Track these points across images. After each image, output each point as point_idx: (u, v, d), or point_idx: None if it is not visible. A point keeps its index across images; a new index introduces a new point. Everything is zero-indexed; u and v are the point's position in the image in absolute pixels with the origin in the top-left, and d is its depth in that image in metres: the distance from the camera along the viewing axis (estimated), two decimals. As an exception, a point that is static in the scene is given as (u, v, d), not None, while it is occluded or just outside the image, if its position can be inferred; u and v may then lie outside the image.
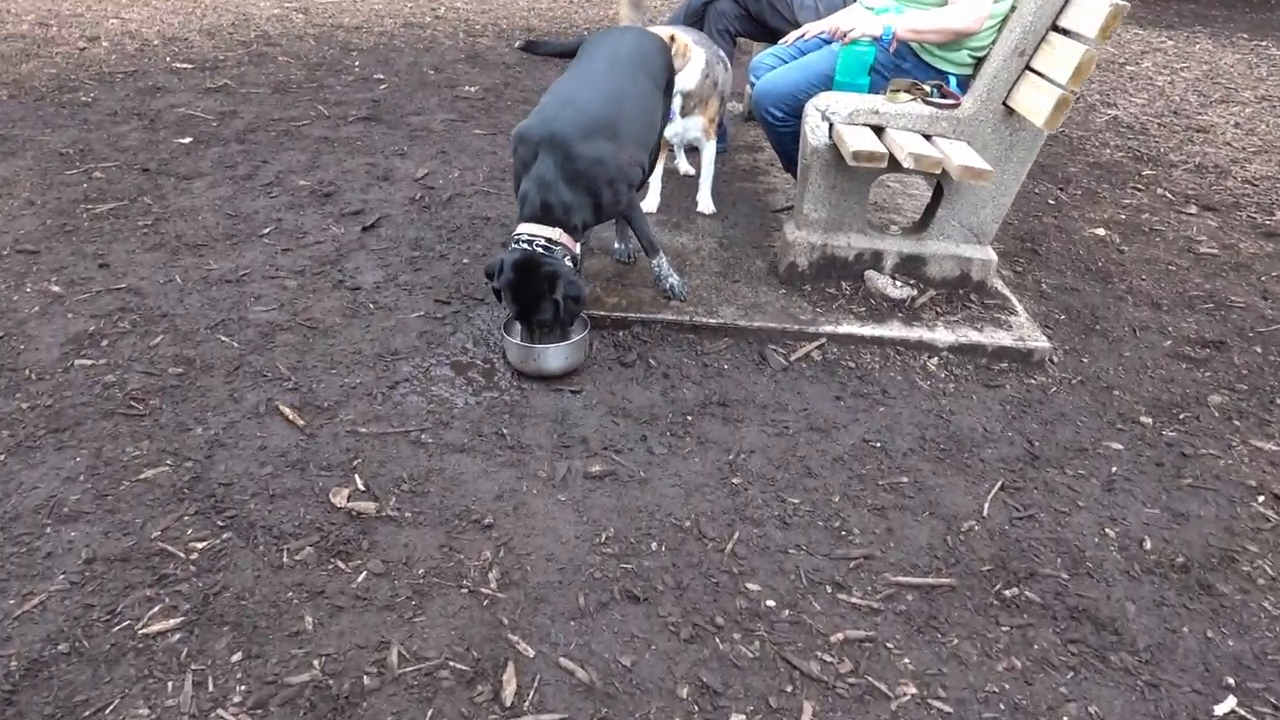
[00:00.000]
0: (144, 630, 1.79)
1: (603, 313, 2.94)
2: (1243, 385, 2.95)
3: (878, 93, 3.09)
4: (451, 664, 1.77)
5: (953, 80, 3.11)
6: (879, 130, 2.96)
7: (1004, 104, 2.93)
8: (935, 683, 1.81)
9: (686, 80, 3.41)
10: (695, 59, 3.40)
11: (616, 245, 3.29)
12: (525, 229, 2.64)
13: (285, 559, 1.99)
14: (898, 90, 3.01)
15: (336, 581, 1.94)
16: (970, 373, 2.88)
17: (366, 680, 1.73)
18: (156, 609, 1.84)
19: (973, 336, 2.94)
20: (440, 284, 3.24)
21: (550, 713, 1.69)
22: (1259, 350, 3.16)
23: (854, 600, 1.98)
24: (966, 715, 1.74)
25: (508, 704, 1.70)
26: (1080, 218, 4.25)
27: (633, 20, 5.22)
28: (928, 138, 2.94)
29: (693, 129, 3.58)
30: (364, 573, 1.97)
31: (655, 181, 3.69)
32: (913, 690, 1.78)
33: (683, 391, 2.69)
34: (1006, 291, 3.24)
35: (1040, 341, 2.94)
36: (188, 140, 4.49)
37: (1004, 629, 1.94)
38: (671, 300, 3.02)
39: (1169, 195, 4.62)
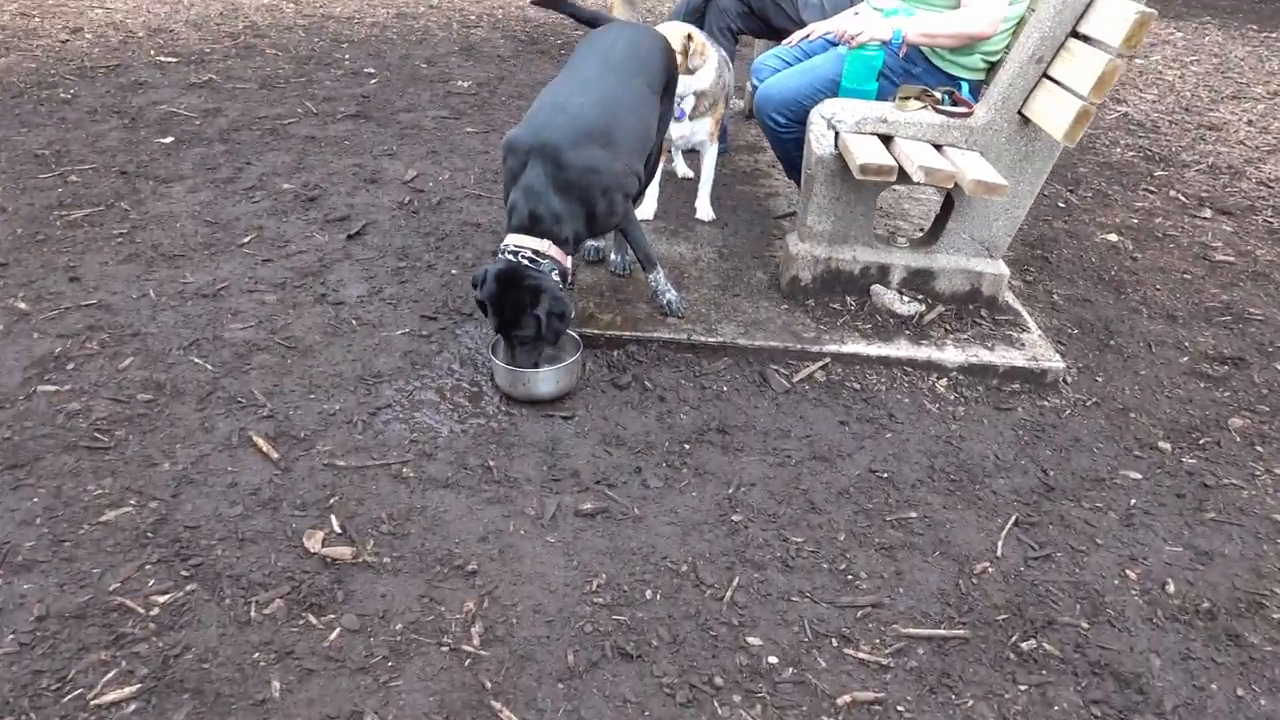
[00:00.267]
0: (96, 700, 1.66)
1: (596, 331, 2.81)
2: (1264, 406, 2.82)
3: (886, 99, 2.94)
4: (430, 733, 1.65)
5: (965, 86, 2.96)
6: (887, 139, 2.82)
7: (1020, 113, 2.79)
8: (949, 751, 1.69)
9: (701, 80, 3.26)
10: (710, 57, 3.25)
11: (613, 257, 3.15)
12: (512, 240, 2.50)
13: (253, 613, 1.86)
14: (907, 97, 2.86)
15: (307, 639, 1.81)
16: (981, 395, 2.75)
17: (337, 752, 1.60)
18: (111, 674, 1.71)
19: (983, 356, 2.80)
20: (427, 297, 3.10)
21: (535, 789, 1.57)
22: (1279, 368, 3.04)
23: (862, 655, 1.86)
24: (983, 789, 1.63)
25: (489, 779, 1.58)
26: (1091, 222, 4.11)
27: (627, 17, 5.06)
28: (938, 147, 2.80)
29: (700, 132, 3.43)
30: (337, 629, 1.84)
31: (653, 186, 3.55)
32: (925, 760, 1.67)
33: (680, 417, 2.56)
34: (1018, 306, 3.10)
35: (1054, 361, 2.80)
36: (169, 140, 4.33)
37: (1021, 688, 1.81)
38: (669, 317, 2.89)
39: (1182, 198, 4.48)
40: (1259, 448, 2.63)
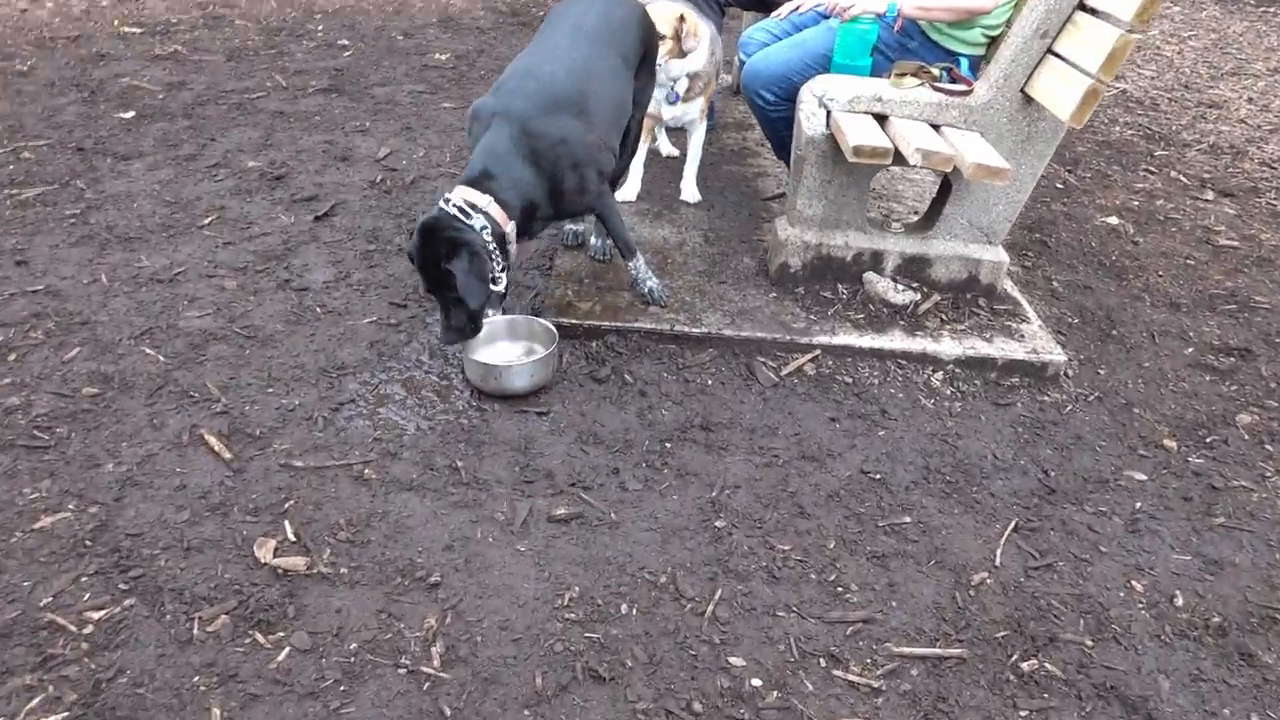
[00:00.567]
0: (18, 732, 1.52)
1: (574, 320, 2.66)
2: (1272, 402, 2.70)
3: (881, 76, 2.78)
4: (384, 766, 1.52)
5: (964, 62, 2.80)
6: (882, 119, 2.66)
7: (1022, 91, 2.64)
8: (945, 783, 1.57)
9: (695, 62, 3.11)
10: (703, 37, 3.08)
11: (593, 241, 2.99)
12: (454, 191, 2.32)
13: (195, 631, 1.72)
14: (903, 74, 2.70)
15: (253, 660, 1.67)
16: (978, 389, 2.62)
17: (282, 790, 1.47)
18: (37, 700, 1.57)
19: (981, 348, 2.67)
20: (397, 283, 2.94)
21: (497, 830, 1.44)
22: (1288, 360, 2.91)
23: (851, 677, 1.73)
24: (982, 826, 1.51)
25: (447, 819, 1.45)
26: (1091, 204, 3.97)
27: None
28: (936, 128, 2.65)
29: (691, 111, 3.27)
30: (286, 648, 1.70)
31: (636, 166, 3.39)
32: (919, 794, 1.54)
33: (661, 413, 2.42)
34: (1017, 294, 2.97)
35: (1054, 354, 2.67)
36: (129, 115, 4.13)
37: (1022, 713, 1.69)
38: (651, 306, 2.74)
39: (1183, 179, 4.34)
40: (1269, 446, 2.51)
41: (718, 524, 2.08)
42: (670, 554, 1.99)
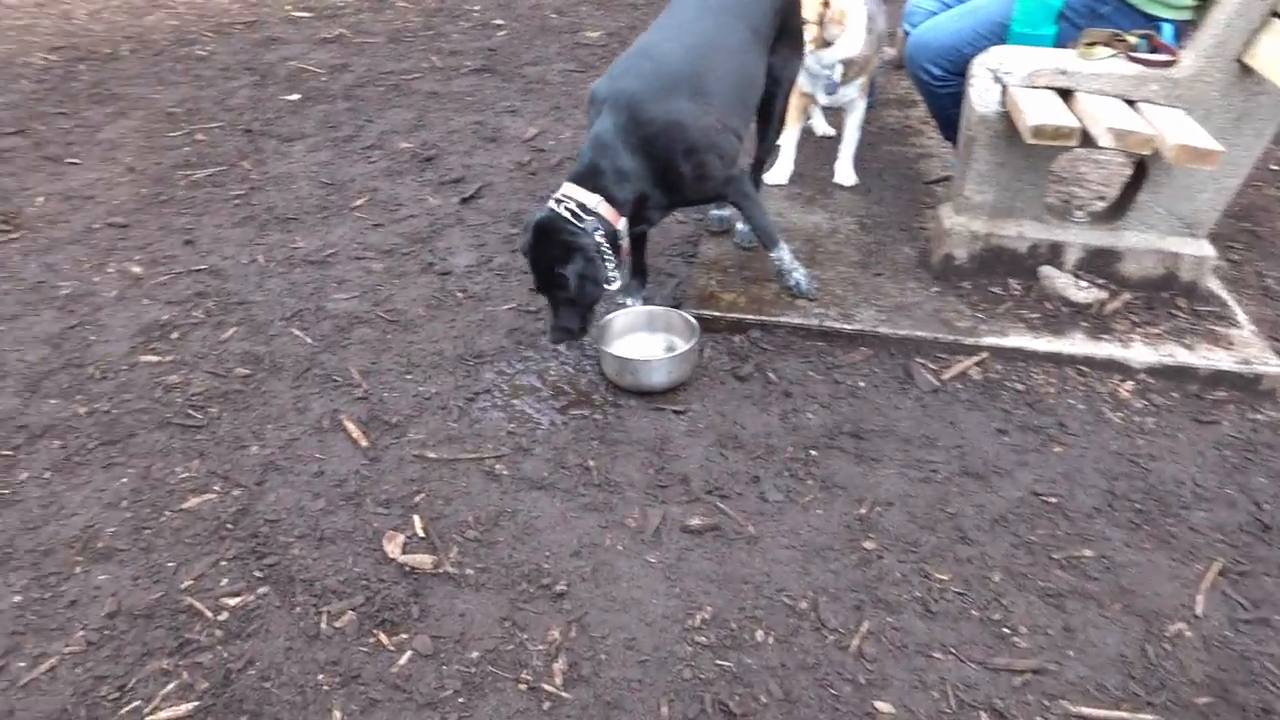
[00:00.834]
0: (152, 716, 1.54)
1: (716, 313, 2.52)
2: None
3: (1067, 46, 2.47)
4: (500, 788, 1.45)
5: (1166, 30, 2.45)
6: (1066, 94, 2.36)
7: (1239, 61, 2.27)
8: None
9: (847, 48, 2.86)
10: (855, 17, 2.83)
11: (739, 227, 2.83)
12: (565, 189, 2.22)
13: (323, 625, 1.71)
14: (1093, 43, 2.38)
15: (376, 662, 1.64)
16: (1176, 403, 2.30)
17: (397, 803, 1.43)
18: (171, 686, 1.59)
19: (1180, 355, 2.34)
20: (537, 269, 2.88)
21: None
22: None
23: (1017, 736, 1.53)
24: None
25: None
26: (1315, 189, 3.46)
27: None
28: (1131, 104, 2.33)
29: (850, 91, 3.04)
30: (409, 652, 1.66)
31: (788, 147, 3.19)
32: None
33: (807, 416, 2.25)
34: (1224, 293, 2.60)
35: (1270, 365, 2.31)
36: (295, 98, 4.27)
37: (1227, 799, 1.44)
38: (798, 299, 2.56)
39: None
40: None
41: (866, 545, 1.89)
42: (812, 576, 1.82)
